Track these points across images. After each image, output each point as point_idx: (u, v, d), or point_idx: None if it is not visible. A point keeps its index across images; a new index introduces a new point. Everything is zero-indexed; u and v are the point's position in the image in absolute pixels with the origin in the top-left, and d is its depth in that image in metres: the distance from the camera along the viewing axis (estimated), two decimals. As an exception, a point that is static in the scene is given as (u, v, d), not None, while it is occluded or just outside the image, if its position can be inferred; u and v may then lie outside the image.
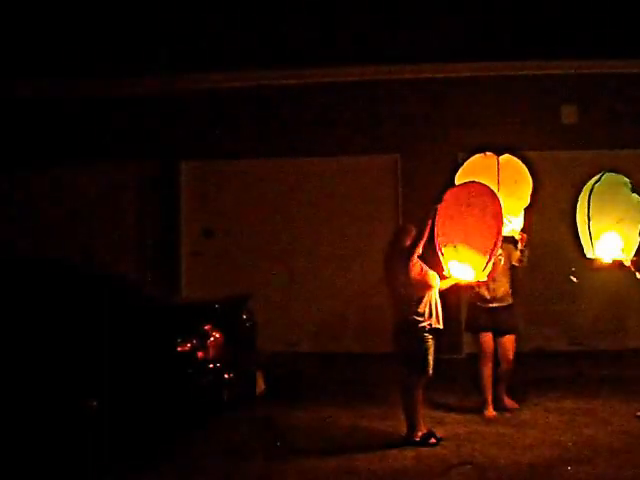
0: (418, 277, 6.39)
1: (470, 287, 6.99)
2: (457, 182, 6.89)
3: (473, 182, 6.53)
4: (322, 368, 9.28)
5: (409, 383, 6.53)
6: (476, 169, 6.95)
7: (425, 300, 6.41)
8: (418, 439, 6.46)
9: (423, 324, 6.39)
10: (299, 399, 8.02)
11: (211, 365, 6.62)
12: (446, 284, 6.55)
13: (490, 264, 6.33)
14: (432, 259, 6.41)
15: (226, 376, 6.71)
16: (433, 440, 6.45)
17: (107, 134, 10.37)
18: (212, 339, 6.67)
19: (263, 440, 6.75)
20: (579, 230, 6.83)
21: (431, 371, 6.46)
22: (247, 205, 10.55)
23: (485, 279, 6.52)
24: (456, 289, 6.77)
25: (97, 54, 10.13)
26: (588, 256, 6.83)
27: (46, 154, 10.38)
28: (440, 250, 6.26)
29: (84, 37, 10.18)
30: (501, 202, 6.35)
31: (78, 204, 10.52)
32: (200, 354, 6.57)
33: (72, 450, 6.10)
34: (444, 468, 5.95)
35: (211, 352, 6.64)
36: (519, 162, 7.08)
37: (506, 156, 7.05)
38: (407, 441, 6.48)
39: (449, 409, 7.61)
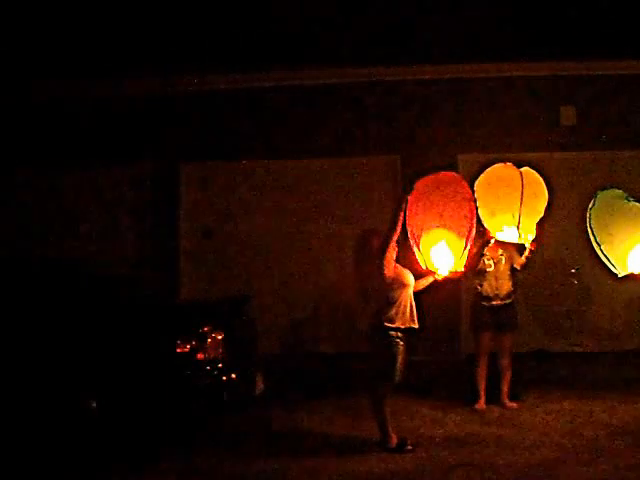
0: (393, 276, 6.29)
1: (451, 282, 6.73)
2: (477, 190, 6.79)
3: (441, 171, 6.53)
4: (322, 368, 9.26)
5: (376, 388, 6.43)
6: (497, 178, 6.93)
7: (400, 301, 6.28)
8: (393, 446, 6.34)
9: (395, 325, 6.26)
10: (298, 399, 8.03)
11: (211, 366, 6.62)
12: (422, 284, 6.47)
13: (466, 251, 6.20)
14: (406, 259, 6.36)
15: (225, 377, 6.69)
16: (409, 447, 6.34)
17: (106, 135, 10.34)
18: (212, 340, 6.66)
19: (263, 440, 6.75)
20: (600, 256, 6.80)
21: (399, 378, 6.30)
22: (246, 206, 10.53)
23: (462, 269, 6.33)
24: (436, 288, 6.60)
25: (96, 54, 10.09)
26: (620, 276, 6.79)
27: (45, 154, 10.34)
28: (414, 239, 6.16)
29: (82, 37, 10.14)
30: (470, 190, 6.34)
31: (77, 205, 10.51)
32: (200, 355, 6.57)
33: (72, 450, 6.10)
34: (444, 470, 5.94)
35: (211, 353, 6.64)
36: (538, 175, 7.05)
37: (526, 169, 7.01)
38: (382, 448, 6.36)
39: (448, 410, 7.61)
